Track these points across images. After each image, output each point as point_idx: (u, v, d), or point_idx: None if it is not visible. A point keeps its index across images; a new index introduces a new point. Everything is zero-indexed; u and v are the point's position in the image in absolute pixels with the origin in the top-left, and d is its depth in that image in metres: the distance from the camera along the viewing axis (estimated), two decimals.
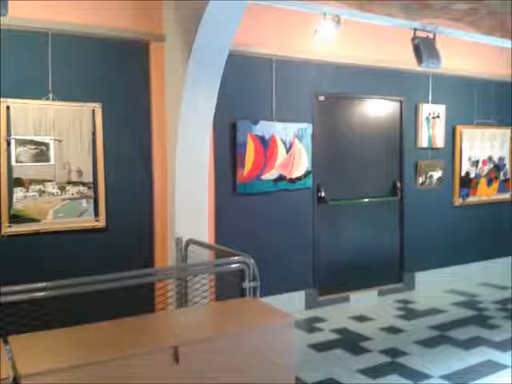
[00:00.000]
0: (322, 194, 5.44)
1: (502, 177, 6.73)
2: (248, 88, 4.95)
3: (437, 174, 6.17)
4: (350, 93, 5.62)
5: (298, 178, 5.24)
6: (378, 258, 5.88)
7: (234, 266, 3.35)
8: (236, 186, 4.89)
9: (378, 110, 5.84)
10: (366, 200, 5.80)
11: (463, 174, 6.40)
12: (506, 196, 6.79)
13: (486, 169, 6.59)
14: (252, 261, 3.34)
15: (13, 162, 3.87)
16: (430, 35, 5.19)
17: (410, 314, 5.34)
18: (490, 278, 6.49)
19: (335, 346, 4.45)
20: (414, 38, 5.11)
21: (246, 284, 3.30)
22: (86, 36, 4.10)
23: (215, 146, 4.74)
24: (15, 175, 3.88)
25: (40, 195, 3.96)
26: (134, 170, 4.39)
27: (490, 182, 6.63)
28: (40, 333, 2.67)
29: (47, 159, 3.99)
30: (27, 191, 3.91)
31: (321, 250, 5.49)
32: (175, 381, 2.49)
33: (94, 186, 4.16)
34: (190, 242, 4.21)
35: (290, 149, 5.15)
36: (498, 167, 6.69)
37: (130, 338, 2.63)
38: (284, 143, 5.11)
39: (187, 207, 4.32)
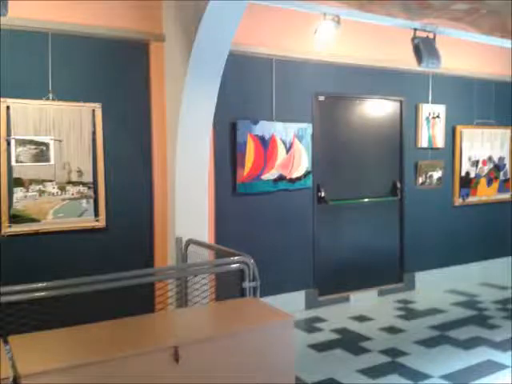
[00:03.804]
0: (322, 194, 5.44)
1: (501, 177, 6.73)
2: (248, 88, 4.96)
3: (437, 174, 6.17)
4: (349, 93, 5.62)
5: (298, 178, 5.24)
6: (378, 257, 5.88)
7: (234, 265, 3.34)
8: (236, 186, 4.89)
9: (377, 109, 5.84)
10: (366, 200, 5.80)
11: (463, 173, 6.40)
12: (506, 196, 6.79)
13: (486, 169, 6.59)
14: (252, 261, 3.34)
15: (13, 162, 3.87)
16: (430, 35, 5.20)
17: (409, 314, 5.33)
18: (490, 277, 6.49)
19: (335, 346, 4.46)
20: (414, 38, 5.12)
21: (246, 284, 3.29)
22: (86, 36, 4.10)
23: (215, 146, 4.74)
24: (15, 175, 3.88)
25: (40, 195, 3.96)
26: (134, 170, 4.40)
27: (489, 182, 6.63)
28: (40, 333, 2.67)
29: (47, 159, 3.99)
30: (27, 191, 3.91)
31: (321, 250, 5.50)
32: (175, 381, 2.49)
33: (94, 185, 4.16)
34: (189, 242, 4.20)
35: (290, 149, 5.15)
36: (497, 167, 6.69)
37: (130, 338, 2.62)
38: (284, 143, 5.11)
39: (187, 207, 4.32)
